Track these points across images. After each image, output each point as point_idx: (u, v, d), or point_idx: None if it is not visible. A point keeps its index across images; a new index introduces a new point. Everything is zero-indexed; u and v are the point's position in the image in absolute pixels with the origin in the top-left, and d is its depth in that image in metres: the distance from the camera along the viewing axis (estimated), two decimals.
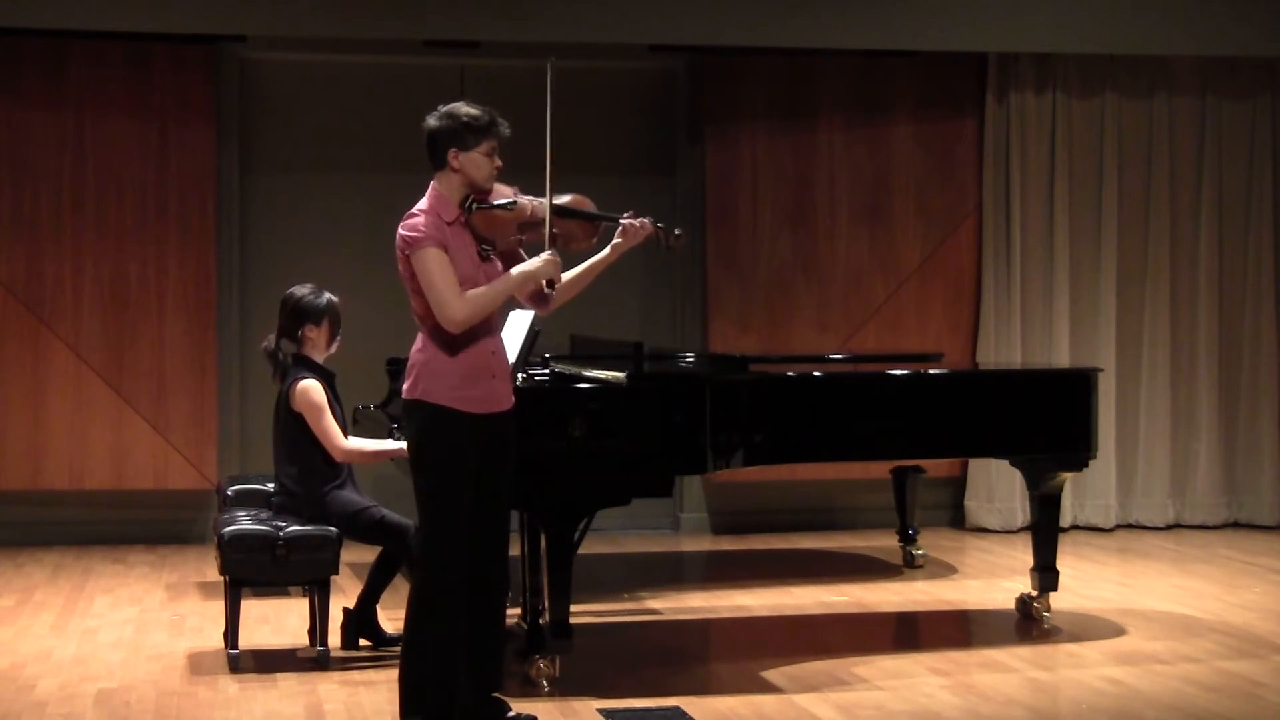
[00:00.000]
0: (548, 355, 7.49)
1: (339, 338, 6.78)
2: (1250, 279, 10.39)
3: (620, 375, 6.24)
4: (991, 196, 10.18)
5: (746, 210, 10.06)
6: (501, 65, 9.87)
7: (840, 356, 9.01)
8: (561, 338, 8.12)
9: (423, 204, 5.37)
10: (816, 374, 7.08)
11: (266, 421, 6.98)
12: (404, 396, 5.37)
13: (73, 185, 9.46)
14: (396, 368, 8.26)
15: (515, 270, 5.38)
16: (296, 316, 6.68)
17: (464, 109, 5.40)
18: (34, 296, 9.43)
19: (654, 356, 8.07)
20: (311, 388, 6.54)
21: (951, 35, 9.79)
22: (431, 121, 5.42)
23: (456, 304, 5.21)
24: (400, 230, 5.31)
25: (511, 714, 5.49)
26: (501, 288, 5.34)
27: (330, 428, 6.52)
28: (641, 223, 5.59)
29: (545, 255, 5.37)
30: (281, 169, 9.89)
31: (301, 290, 6.72)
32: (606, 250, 5.59)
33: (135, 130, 9.51)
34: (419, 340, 5.36)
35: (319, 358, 6.70)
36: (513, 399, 5.46)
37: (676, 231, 5.73)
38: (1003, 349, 10.10)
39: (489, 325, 5.39)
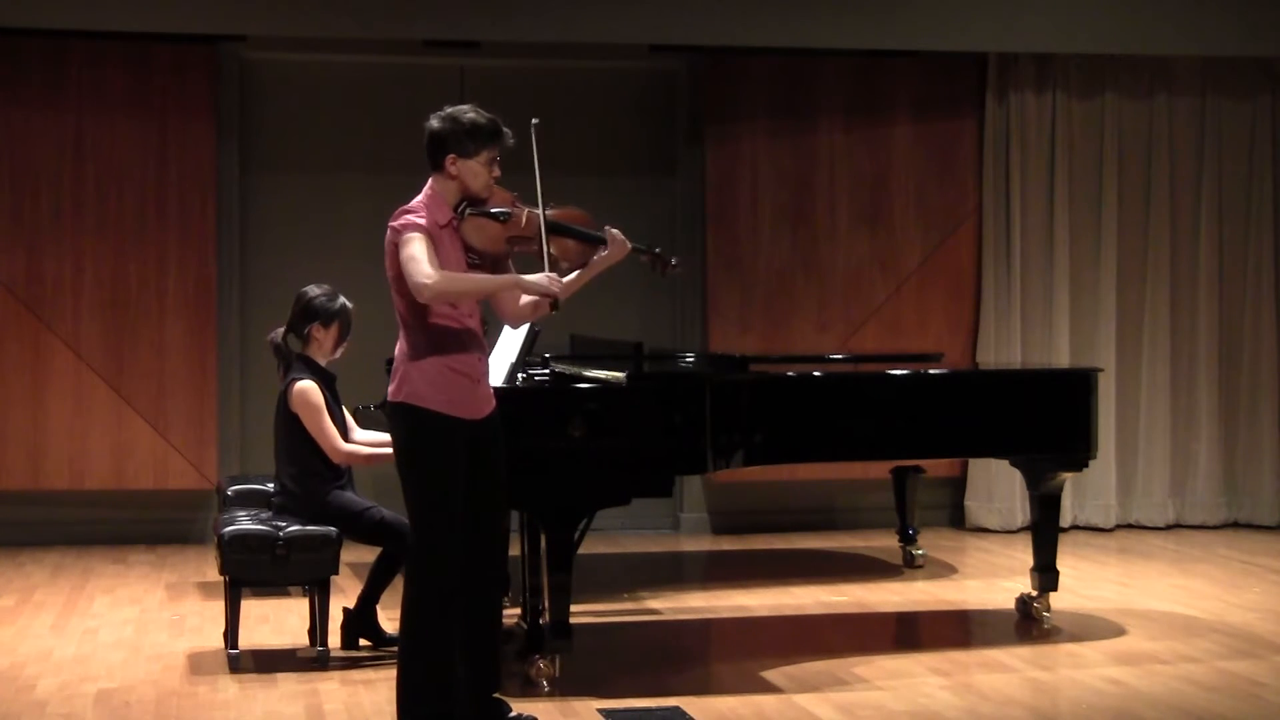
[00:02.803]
0: (548, 355, 7.49)
1: (347, 343, 6.77)
2: (1250, 279, 10.39)
3: (620, 375, 6.23)
4: (991, 196, 10.18)
5: (746, 210, 10.06)
6: (501, 65, 9.87)
7: (840, 356, 9.01)
8: (561, 338, 8.12)
9: (416, 202, 5.31)
10: (816, 374, 7.09)
11: (266, 421, 6.98)
12: (389, 399, 5.33)
13: (73, 185, 9.46)
14: None
15: (514, 275, 5.31)
16: (306, 315, 6.68)
17: (468, 114, 5.31)
18: (34, 296, 9.43)
19: (654, 356, 8.07)
20: (309, 389, 6.54)
21: (951, 35, 9.79)
22: (434, 123, 5.34)
23: (432, 274, 5.07)
24: (391, 224, 5.25)
25: (512, 714, 5.48)
26: (489, 283, 5.28)
27: (328, 429, 6.52)
28: (613, 237, 5.44)
29: (548, 274, 5.26)
30: (281, 169, 9.89)
31: (316, 290, 6.71)
32: (584, 269, 5.46)
33: (135, 130, 9.51)
34: (402, 343, 5.31)
35: (323, 360, 6.69)
36: (494, 402, 5.42)
37: (674, 261, 5.69)
38: (1003, 349, 10.10)
39: (473, 331, 5.33)
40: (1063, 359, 10.08)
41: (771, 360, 8.30)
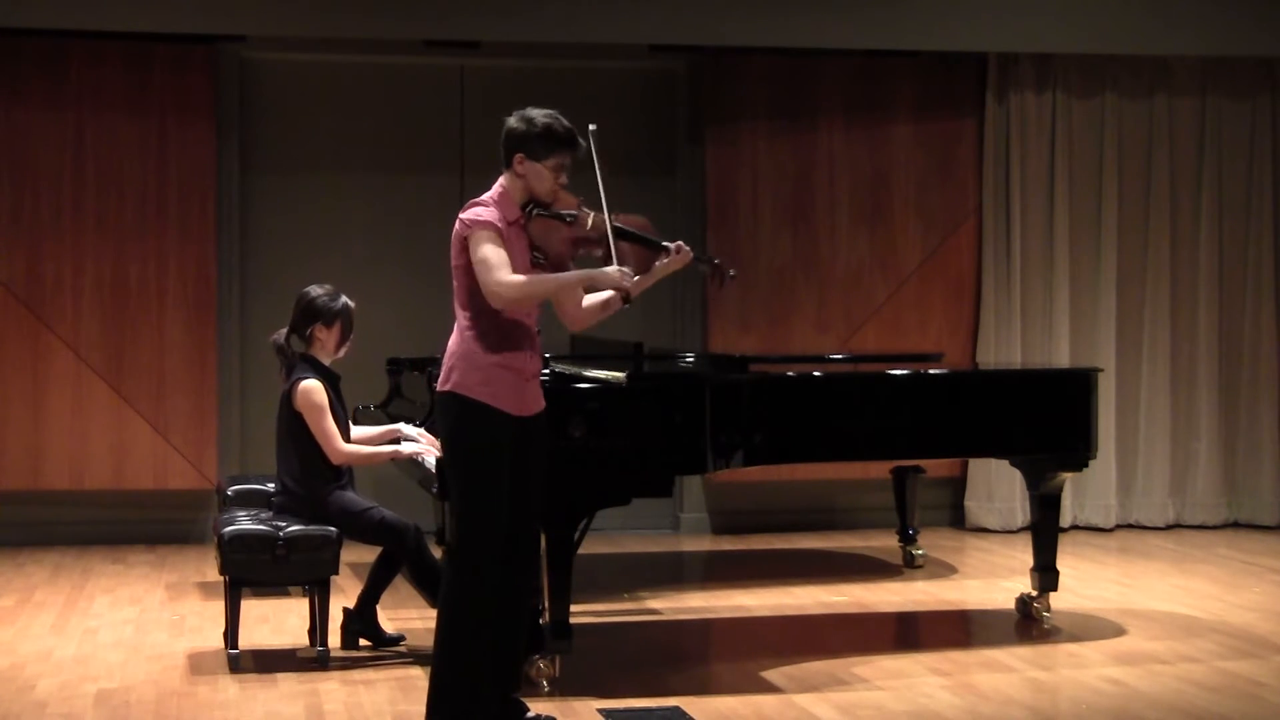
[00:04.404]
0: (548, 355, 7.48)
1: (349, 343, 6.78)
2: (1250, 279, 10.39)
3: (620, 375, 6.24)
4: (991, 196, 10.18)
5: (746, 210, 10.06)
6: (501, 65, 9.87)
7: (840, 356, 9.01)
8: (561, 338, 8.11)
9: (489, 195, 5.31)
10: (816, 374, 7.09)
11: (266, 421, 6.98)
12: (438, 389, 5.34)
13: (73, 185, 9.46)
14: (396, 367, 8.28)
15: (585, 270, 5.31)
16: (308, 315, 6.68)
17: (542, 117, 5.31)
18: (34, 296, 9.43)
19: (654, 356, 8.06)
20: (313, 388, 6.54)
21: (951, 35, 9.79)
22: (510, 121, 5.33)
23: (508, 278, 5.14)
24: (462, 216, 5.26)
25: (530, 715, 5.47)
26: (561, 281, 5.29)
27: (330, 429, 6.52)
28: (678, 248, 5.45)
29: (618, 267, 5.26)
30: (281, 169, 9.89)
31: (318, 290, 6.71)
32: (644, 276, 5.42)
33: (135, 130, 9.51)
34: (457, 333, 5.31)
35: (326, 359, 6.70)
36: (543, 402, 5.43)
37: (732, 273, 5.67)
38: (1003, 349, 10.10)
39: (528, 329, 5.34)
40: (1063, 359, 10.08)
41: (771, 360, 8.30)
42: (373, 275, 9.58)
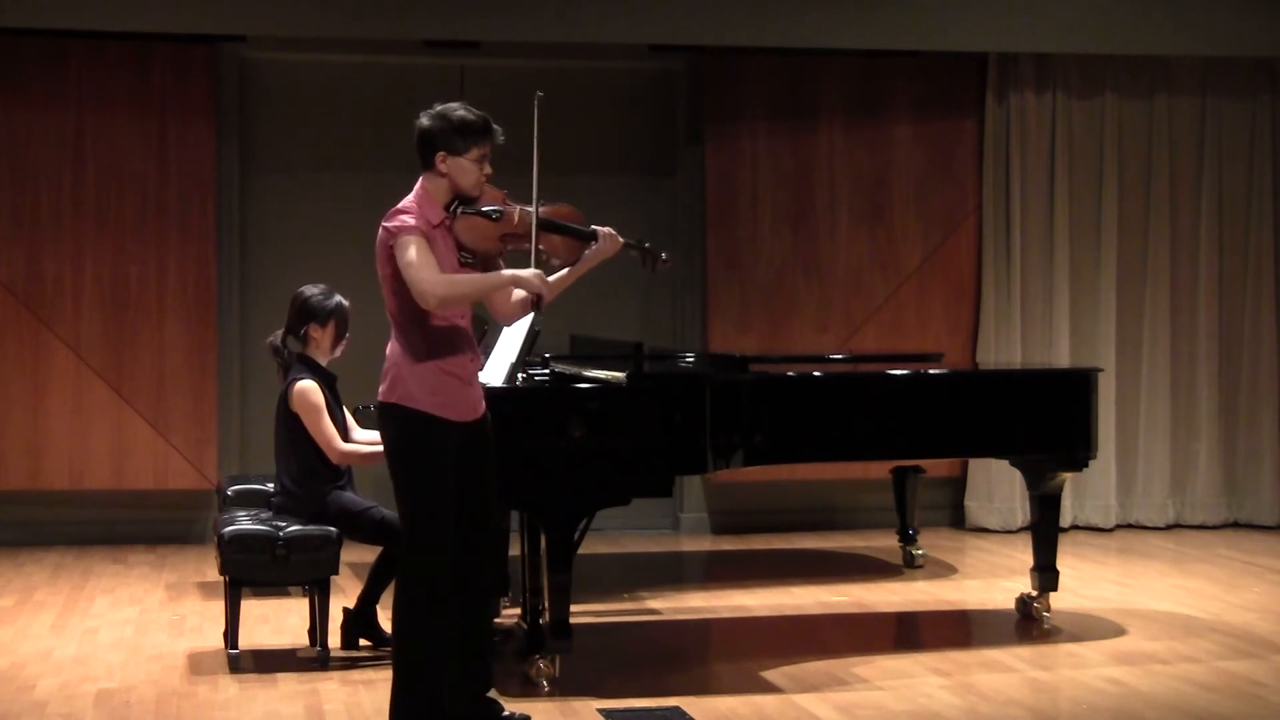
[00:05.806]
0: (548, 355, 7.49)
1: (345, 341, 6.77)
2: (1250, 279, 10.39)
3: (620, 375, 6.23)
4: (991, 196, 10.18)
5: (746, 210, 10.06)
6: (501, 65, 9.87)
7: (840, 356, 9.02)
8: (561, 338, 8.12)
9: (408, 201, 5.28)
10: (816, 374, 7.09)
11: (266, 421, 6.98)
12: (379, 399, 5.32)
13: (73, 185, 9.46)
14: None
15: (508, 271, 5.30)
16: (302, 315, 6.68)
17: (457, 111, 5.29)
18: (34, 296, 9.43)
19: (654, 356, 8.06)
20: (309, 389, 6.54)
21: (951, 35, 9.80)
22: (424, 120, 5.32)
23: (437, 280, 5.11)
24: (384, 225, 5.23)
25: (505, 714, 5.47)
26: (487, 282, 5.27)
27: (327, 429, 6.52)
28: (608, 234, 5.43)
29: (534, 271, 5.26)
30: (281, 169, 9.89)
31: (311, 290, 6.71)
32: (575, 265, 5.44)
33: (135, 130, 9.51)
34: (394, 343, 5.29)
35: (322, 359, 6.70)
36: (484, 405, 5.40)
37: (664, 256, 5.65)
38: (1003, 349, 10.10)
39: (464, 332, 5.31)
40: (1063, 359, 10.08)
41: (771, 360, 8.30)
42: (372, 275, 9.54)
